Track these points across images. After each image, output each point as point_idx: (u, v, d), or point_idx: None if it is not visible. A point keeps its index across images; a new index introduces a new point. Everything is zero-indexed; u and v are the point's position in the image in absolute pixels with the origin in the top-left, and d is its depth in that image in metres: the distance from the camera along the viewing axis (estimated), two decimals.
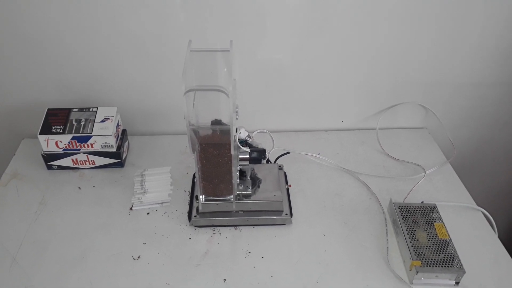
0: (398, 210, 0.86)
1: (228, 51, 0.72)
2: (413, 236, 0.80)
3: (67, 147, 0.94)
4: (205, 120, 0.78)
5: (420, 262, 0.76)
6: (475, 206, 0.92)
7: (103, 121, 0.95)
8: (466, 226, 0.88)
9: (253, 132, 0.86)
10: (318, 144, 1.08)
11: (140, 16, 0.90)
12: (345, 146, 1.08)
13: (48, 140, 0.93)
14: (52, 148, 0.95)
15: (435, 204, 0.87)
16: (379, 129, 1.09)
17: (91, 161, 0.97)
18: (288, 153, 1.02)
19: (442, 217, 0.84)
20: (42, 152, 0.95)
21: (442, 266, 0.75)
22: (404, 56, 1.01)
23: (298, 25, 0.94)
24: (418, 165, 1.02)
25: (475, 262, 0.80)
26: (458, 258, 0.76)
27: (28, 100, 1.03)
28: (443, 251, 0.78)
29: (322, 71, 1.02)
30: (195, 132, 0.75)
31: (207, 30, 0.93)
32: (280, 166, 0.98)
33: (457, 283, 0.76)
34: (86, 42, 0.94)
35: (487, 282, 0.77)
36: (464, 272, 0.75)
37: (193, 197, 0.91)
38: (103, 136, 0.93)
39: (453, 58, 1.02)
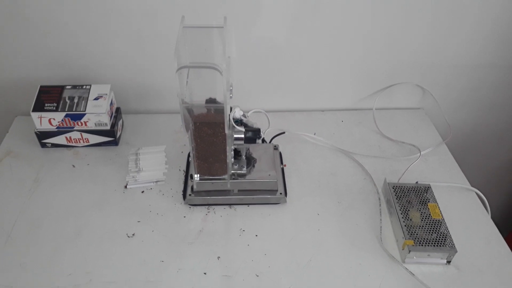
0: (392, 190, 0.86)
1: (222, 27, 0.71)
2: (406, 215, 0.81)
3: (61, 124, 0.94)
4: (199, 98, 0.77)
5: (412, 241, 0.76)
6: (469, 186, 0.92)
7: (96, 98, 0.94)
8: (460, 206, 0.88)
9: (248, 112, 0.85)
10: (314, 124, 1.08)
11: None
12: (341, 126, 1.08)
13: (41, 117, 0.92)
14: (46, 126, 0.94)
15: (429, 184, 0.87)
16: (375, 109, 1.08)
17: (85, 139, 0.97)
18: (284, 133, 1.01)
19: (436, 197, 0.85)
20: (36, 130, 0.94)
21: (434, 246, 0.76)
22: (401, 36, 0.99)
23: (293, 4, 0.92)
24: (413, 145, 1.01)
25: (467, 242, 0.80)
26: (450, 237, 0.77)
27: (20, 77, 1.02)
28: (435, 230, 0.78)
29: (318, 50, 1.01)
30: (189, 110, 0.74)
31: (201, 6, 0.91)
32: (275, 146, 0.98)
33: (448, 262, 0.77)
34: (79, 19, 0.92)
35: (478, 262, 0.78)
36: (456, 252, 0.75)
37: (187, 176, 0.91)
38: (96, 114, 0.92)
39: (451, 39, 1.01)
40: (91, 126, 0.94)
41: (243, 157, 0.88)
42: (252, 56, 1.01)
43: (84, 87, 0.97)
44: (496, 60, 1.06)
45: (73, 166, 0.94)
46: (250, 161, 0.89)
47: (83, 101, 0.94)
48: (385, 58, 1.04)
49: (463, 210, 0.88)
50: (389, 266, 0.77)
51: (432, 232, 0.78)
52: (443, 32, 0.99)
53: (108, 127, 0.95)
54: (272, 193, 0.87)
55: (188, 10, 0.91)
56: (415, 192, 0.86)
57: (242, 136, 0.81)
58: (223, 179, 0.86)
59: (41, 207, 0.85)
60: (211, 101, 0.78)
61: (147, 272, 0.75)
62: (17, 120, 1.06)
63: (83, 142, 0.97)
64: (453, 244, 0.76)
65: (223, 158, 0.82)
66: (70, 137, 0.96)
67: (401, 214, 0.81)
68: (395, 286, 0.74)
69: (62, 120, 0.93)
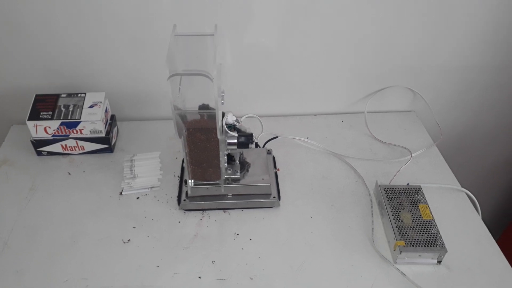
0: (384, 192, 0.87)
1: (213, 35, 0.72)
2: (397, 217, 0.82)
3: (56, 133, 0.95)
4: (192, 104, 0.79)
5: (403, 242, 0.77)
6: (459, 187, 0.94)
7: (91, 106, 0.95)
8: (450, 207, 0.90)
9: (241, 117, 0.87)
10: (307, 128, 1.09)
11: (126, 0, 0.90)
12: (333, 130, 1.09)
13: (36, 126, 0.93)
14: (41, 134, 0.95)
15: (420, 186, 0.89)
16: (367, 112, 1.10)
17: (81, 146, 0.98)
18: (277, 137, 1.03)
19: (426, 199, 0.86)
20: (31, 138, 0.95)
21: (425, 246, 0.77)
22: (392, 39, 1.01)
23: (284, 9, 0.94)
24: (404, 147, 1.03)
25: (457, 242, 0.82)
26: (441, 238, 0.78)
27: (15, 86, 1.03)
28: (426, 231, 0.80)
29: (310, 55, 1.03)
30: (182, 117, 0.76)
31: (194, 13, 0.93)
32: (268, 151, 0.99)
33: (439, 262, 0.78)
34: (73, 27, 0.93)
35: (468, 261, 0.79)
36: (446, 252, 0.77)
37: (182, 181, 0.92)
38: (91, 121, 0.94)
39: (440, 42, 1.03)
40: (86, 133, 0.95)
41: (237, 162, 0.89)
42: (244, 62, 1.02)
43: (79, 95, 0.98)
44: (485, 62, 1.08)
45: (69, 173, 0.95)
46: (244, 166, 0.90)
47: (78, 109, 0.95)
48: (376, 62, 1.05)
49: (453, 210, 0.89)
50: (381, 267, 0.78)
51: (423, 233, 0.79)
52: (432, 35, 1.01)
53: (103, 135, 0.96)
54: (266, 197, 0.88)
55: (181, 18, 0.92)
56: (406, 193, 0.87)
57: (235, 141, 0.83)
58: (217, 184, 0.87)
59: (37, 214, 0.86)
60: (204, 107, 0.79)
61: (143, 277, 0.76)
62: (13, 129, 1.07)
63: (79, 149, 0.98)
64: (444, 244, 0.77)
65: (216, 163, 0.83)
66: (65, 145, 0.97)
67: (393, 215, 0.82)
68: (387, 287, 0.75)
69: (58, 128, 0.94)
